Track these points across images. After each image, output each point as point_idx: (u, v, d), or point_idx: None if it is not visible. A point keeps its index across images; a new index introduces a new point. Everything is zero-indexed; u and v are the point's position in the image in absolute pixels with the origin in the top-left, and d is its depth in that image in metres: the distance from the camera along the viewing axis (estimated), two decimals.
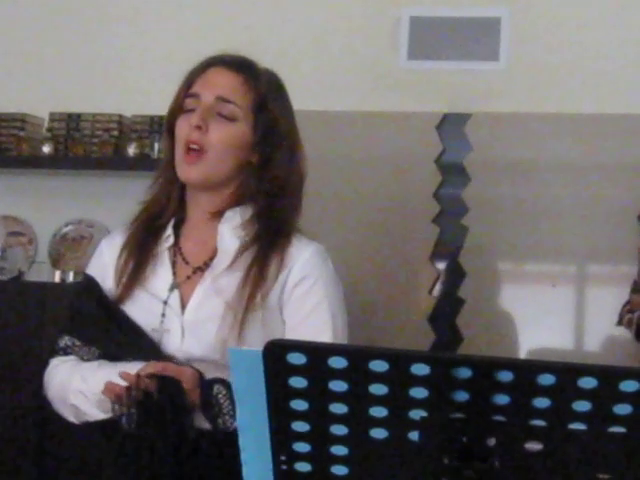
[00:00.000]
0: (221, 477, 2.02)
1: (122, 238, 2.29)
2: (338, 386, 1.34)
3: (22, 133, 4.01)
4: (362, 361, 1.31)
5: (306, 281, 2.19)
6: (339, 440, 1.37)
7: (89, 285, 2.27)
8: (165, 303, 2.18)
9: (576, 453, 1.33)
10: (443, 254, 3.80)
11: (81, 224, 4.01)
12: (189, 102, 2.22)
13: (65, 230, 4.09)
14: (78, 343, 2.20)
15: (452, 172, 3.82)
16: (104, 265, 2.28)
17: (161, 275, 2.22)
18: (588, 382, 1.29)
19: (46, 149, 3.98)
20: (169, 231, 2.25)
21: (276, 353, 1.33)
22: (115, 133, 3.97)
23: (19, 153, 4.00)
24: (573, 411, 1.31)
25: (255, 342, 2.09)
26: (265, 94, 2.24)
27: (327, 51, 3.90)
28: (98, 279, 2.26)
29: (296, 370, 1.33)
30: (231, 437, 1.79)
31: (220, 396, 2.07)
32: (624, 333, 3.48)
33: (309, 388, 1.34)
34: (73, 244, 4.08)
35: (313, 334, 2.15)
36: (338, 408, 1.35)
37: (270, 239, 2.20)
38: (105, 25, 4.07)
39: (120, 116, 3.97)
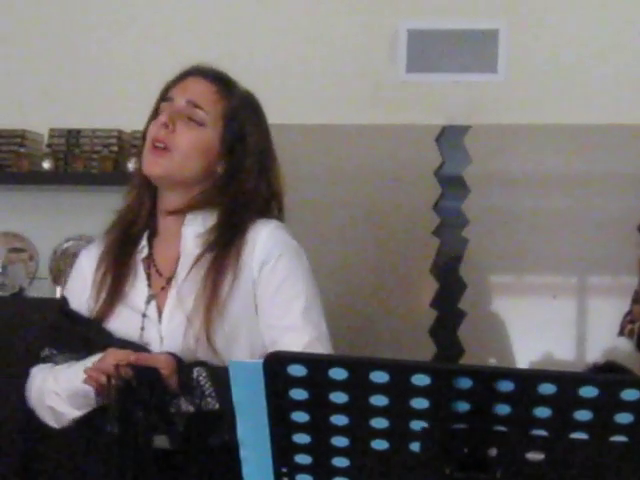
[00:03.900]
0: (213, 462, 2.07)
1: (99, 249, 2.33)
2: (339, 397, 1.33)
3: (22, 149, 4.00)
4: (362, 372, 1.31)
5: (269, 260, 2.21)
6: (340, 452, 1.37)
7: (61, 302, 2.34)
8: (144, 316, 2.21)
9: (578, 462, 1.33)
10: (443, 266, 3.80)
11: (81, 240, 3.98)
12: (163, 106, 2.30)
13: (66, 246, 4.08)
14: (55, 352, 2.24)
15: (452, 184, 3.81)
16: (84, 278, 2.33)
17: (138, 288, 2.26)
18: (589, 391, 1.29)
19: (46, 165, 3.98)
20: (144, 242, 2.29)
21: (276, 365, 1.33)
22: (115, 149, 3.97)
23: (19, 169, 3.99)
24: (574, 420, 1.31)
25: (221, 342, 2.15)
26: (237, 107, 2.30)
27: (326, 65, 3.91)
28: (79, 291, 2.32)
29: (296, 382, 1.33)
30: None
31: (201, 378, 2.09)
32: (625, 344, 3.47)
33: (310, 400, 1.34)
34: (74, 260, 4.06)
35: (286, 306, 2.18)
36: (339, 420, 1.35)
37: (225, 246, 2.22)
38: (104, 42, 4.08)
39: (119, 132, 3.97)
